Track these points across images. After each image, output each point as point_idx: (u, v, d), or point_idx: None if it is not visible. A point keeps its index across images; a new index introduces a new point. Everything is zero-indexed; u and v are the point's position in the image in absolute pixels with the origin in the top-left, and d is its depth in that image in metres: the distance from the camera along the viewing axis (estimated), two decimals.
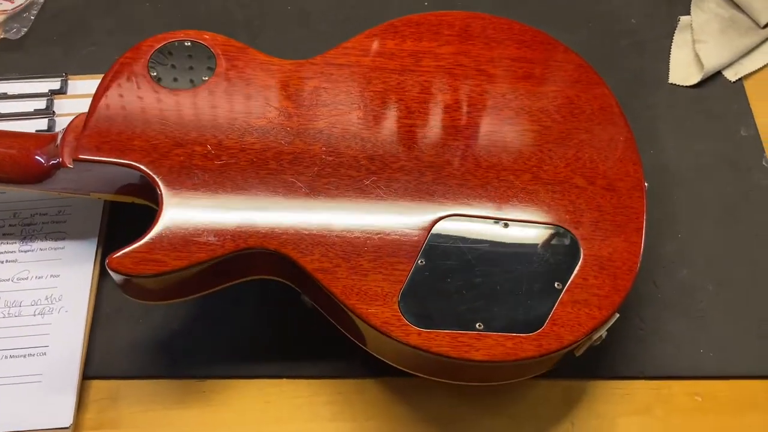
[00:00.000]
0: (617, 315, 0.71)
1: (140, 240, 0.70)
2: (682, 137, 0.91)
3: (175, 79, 0.81)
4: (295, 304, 0.77)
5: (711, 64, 0.96)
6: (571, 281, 0.71)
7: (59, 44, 1.03)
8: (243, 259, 0.70)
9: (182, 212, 0.70)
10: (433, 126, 0.78)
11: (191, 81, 0.81)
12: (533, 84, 0.84)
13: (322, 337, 0.77)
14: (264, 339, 0.78)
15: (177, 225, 0.70)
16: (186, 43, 0.84)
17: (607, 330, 0.72)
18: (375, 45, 0.85)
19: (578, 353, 0.73)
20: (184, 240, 0.68)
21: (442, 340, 0.66)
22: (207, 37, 0.84)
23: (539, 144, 0.80)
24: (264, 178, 0.75)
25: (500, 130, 0.80)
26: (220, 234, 0.69)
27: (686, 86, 0.96)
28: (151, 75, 0.81)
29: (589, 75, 0.85)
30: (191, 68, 0.82)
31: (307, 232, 0.69)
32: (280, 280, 0.75)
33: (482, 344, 0.66)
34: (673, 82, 0.97)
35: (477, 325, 0.67)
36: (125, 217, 0.85)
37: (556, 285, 0.71)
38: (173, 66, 0.82)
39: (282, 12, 1.07)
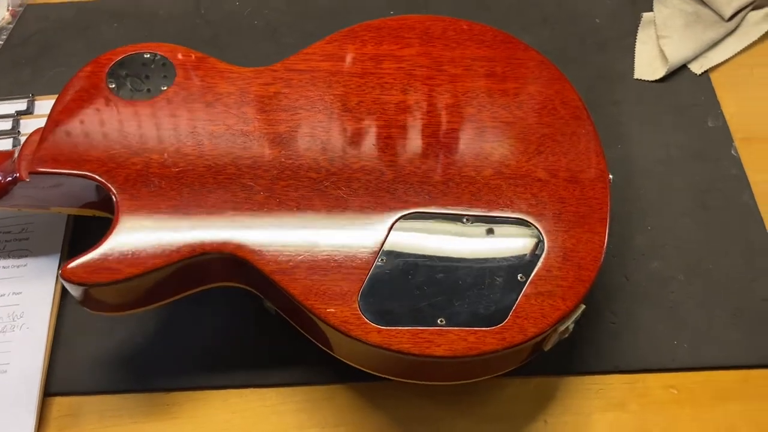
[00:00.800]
0: (583, 306, 0.70)
1: (94, 249, 0.69)
2: (649, 131, 0.90)
3: (134, 91, 0.81)
4: (258, 311, 0.76)
5: (675, 58, 0.96)
6: (535, 273, 0.70)
7: (28, 66, 1.03)
8: (201, 265, 0.70)
9: (137, 220, 0.70)
10: (393, 126, 0.78)
11: (149, 91, 0.81)
12: (495, 82, 0.84)
13: (288, 344, 0.76)
14: (229, 348, 0.76)
15: (132, 233, 0.69)
16: (145, 55, 0.84)
17: (574, 322, 0.70)
18: (335, 50, 0.85)
19: (547, 347, 0.72)
20: (138, 247, 0.67)
21: (402, 337, 0.64)
22: (166, 48, 0.84)
23: (501, 140, 0.79)
24: (222, 183, 0.74)
25: (462, 127, 0.80)
26: (176, 240, 0.68)
27: (652, 81, 0.96)
28: (109, 87, 0.81)
29: (550, 71, 0.85)
30: (149, 79, 0.82)
31: (264, 234, 0.68)
32: (241, 286, 0.74)
33: (444, 339, 0.65)
34: (639, 78, 0.97)
35: (439, 321, 0.65)
36: (89, 232, 0.84)
37: (519, 277, 0.70)
38: (132, 78, 0.82)
39: (249, 27, 1.07)
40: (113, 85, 0.81)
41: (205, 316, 0.79)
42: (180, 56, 0.84)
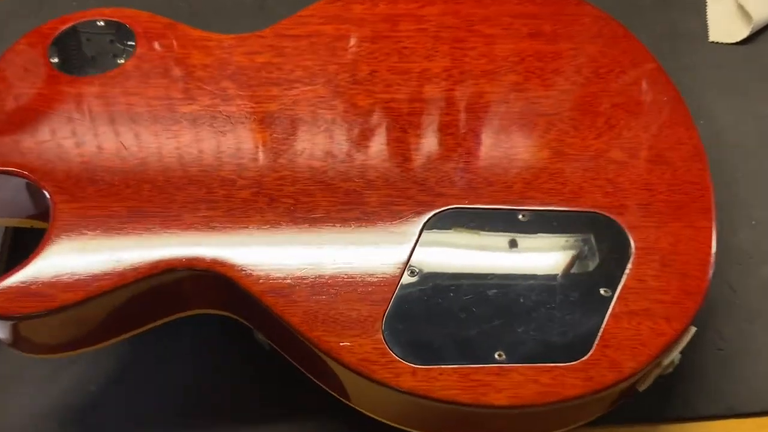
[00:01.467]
0: (694, 329, 0.51)
1: (18, 270, 0.51)
2: (736, 102, 0.74)
3: (83, 65, 0.64)
4: (247, 346, 0.60)
5: (761, 15, 0.78)
6: (623, 285, 0.52)
7: None
8: (169, 287, 0.56)
9: (79, 228, 0.52)
10: (417, 99, 0.60)
11: (103, 66, 0.63)
12: (543, 42, 0.66)
13: (287, 391, 0.61)
14: (208, 397, 0.62)
15: (71, 246, 0.52)
16: (98, 23, 0.66)
17: (681, 352, 0.51)
18: (339, 11, 0.68)
19: (642, 387, 0.53)
20: (79, 265, 0.49)
21: (447, 380, 0.47)
22: (124, 14, 0.67)
23: (558, 112, 0.61)
24: (194, 178, 0.57)
25: (506, 99, 0.62)
26: (132, 254, 0.53)
27: (732, 43, 0.78)
28: (51, 62, 0.63)
29: (612, 28, 0.67)
30: (103, 51, 0.65)
31: (251, 243, 0.53)
32: (225, 314, 0.56)
33: (506, 382, 0.47)
34: (715, 40, 0.79)
35: (497, 355, 0.47)
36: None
37: (602, 292, 0.51)
38: (80, 50, 0.65)
39: (234, 2, 0.89)
40: (56, 59, 0.64)
41: (178, 355, 0.63)
42: (143, 23, 0.67)
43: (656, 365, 0.50)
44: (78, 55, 0.65)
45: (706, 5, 0.83)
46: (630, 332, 0.50)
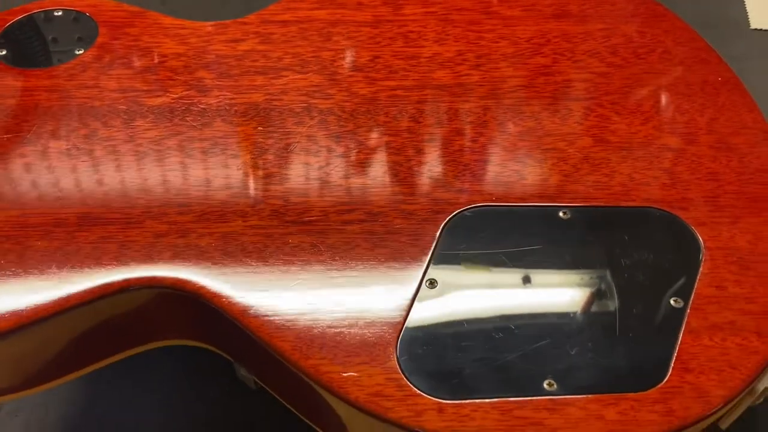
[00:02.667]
0: None
1: None
2: None
3: (35, 57, 0.54)
4: (229, 384, 0.50)
5: None
6: (697, 293, 0.41)
7: None
8: (127, 309, 0.42)
9: (16, 239, 0.41)
10: (428, 86, 0.50)
11: (58, 58, 0.54)
12: (571, 23, 0.57)
13: None
14: None
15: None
16: (55, 13, 0.57)
17: None
18: None
19: (725, 425, 0.42)
20: (13, 282, 0.38)
21: (484, 419, 0.35)
22: (85, 3, 0.58)
23: (595, 97, 0.52)
24: (162, 175, 0.46)
25: (533, 83, 0.53)
26: (81, 269, 0.39)
27: None
28: None
29: (649, 6, 0.59)
30: (59, 42, 0.55)
31: (227, 251, 0.42)
32: (201, 345, 0.44)
33: (562, 419, 0.36)
34: (758, 27, 0.70)
35: (545, 385, 0.36)
36: None
37: (673, 302, 0.41)
38: (33, 42, 0.55)
39: None
40: (4, 52, 0.54)
41: (147, 392, 0.52)
42: (106, 12, 0.58)
43: (749, 393, 0.39)
44: (30, 47, 0.56)
45: None
46: (714, 351, 0.39)
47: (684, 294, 0.41)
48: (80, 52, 0.55)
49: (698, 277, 0.42)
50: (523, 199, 0.46)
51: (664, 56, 0.55)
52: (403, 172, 0.48)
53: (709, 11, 0.74)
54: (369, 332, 0.39)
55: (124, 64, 0.54)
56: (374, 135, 0.50)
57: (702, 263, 0.43)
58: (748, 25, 0.72)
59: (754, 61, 0.69)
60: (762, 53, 0.70)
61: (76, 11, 0.59)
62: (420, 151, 0.49)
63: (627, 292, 0.41)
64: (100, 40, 0.56)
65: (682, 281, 0.42)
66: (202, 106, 0.52)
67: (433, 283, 0.42)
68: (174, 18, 0.59)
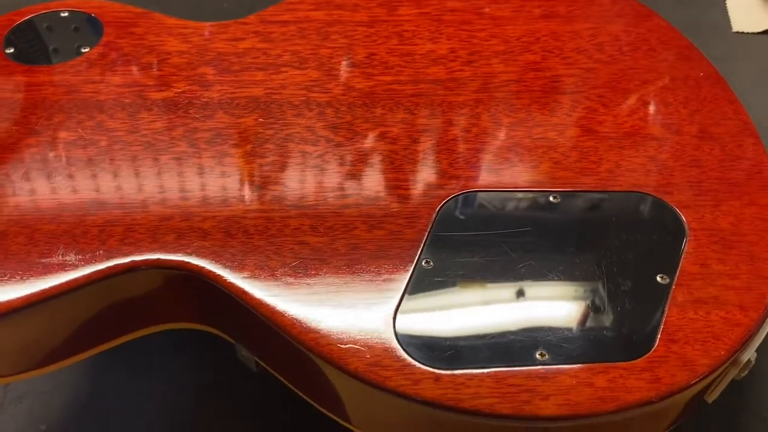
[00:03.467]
0: None
1: None
2: None
3: (41, 55, 0.56)
4: (231, 366, 0.51)
5: None
6: (682, 270, 0.43)
7: None
8: (131, 288, 0.43)
9: (20, 214, 0.43)
10: (423, 80, 0.52)
11: (64, 55, 0.56)
12: (559, 23, 0.60)
13: (277, 414, 0.52)
14: (187, 425, 0.51)
15: (8, 235, 0.42)
16: (62, 14, 0.59)
17: (756, 350, 0.42)
18: None
19: (711, 398, 0.43)
20: (20, 261, 0.41)
21: (479, 387, 0.37)
22: (91, 5, 0.60)
23: (583, 90, 0.53)
24: (167, 165, 0.48)
25: (523, 78, 0.55)
26: (86, 246, 0.42)
27: (758, 32, 0.72)
28: (6, 53, 0.55)
29: (633, 7, 0.61)
30: (66, 41, 0.57)
31: (230, 233, 0.44)
32: (199, 327, 0.45)
33: (553, 386, 0.38)
34: (740, 30, 0.73)
35: (537, 355, 0.38)
36: None
37: (659, 279, 0.43)
38: (39, 41, 0.57)
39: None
40: (11, 50, 0.56)
41: (146, 380, 0.54)
42: (111, 13, 0.60)
43: (732, 363, 0.41)
44: (36, 46, 0.57)
45: None
46: (699, 323, 0.40)
47: (669, 271, 0.43)
48: (86, 50, 0.57)
49: (683, 256, 0.44)
50: (515, 185, 0.48)
51: (648, 53, 0.57)
52: (399, 160, 0.49)
53: (691, 15, 0.76)
54: (368, 306, 0.41)
55: (129, 60, 0.56)
56: (371, 126, 0.51)
57: (686, 243, 0.45)
58: (730, 28, 0.75)
59: (736, 63, 0.72)
60: (743, 55, 0.72)
61: (83, 12, 0.61)
62: (415, 141, 0.51)
63: (615, 270, 0.43)
64: (105, 38, 0.58)
65: (667, 260, 0.44)
66: (204, 100, 0.53)
67: (428, 262, 0.43)
68: (177, 18, 0.61)
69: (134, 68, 0.56)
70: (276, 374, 0.46)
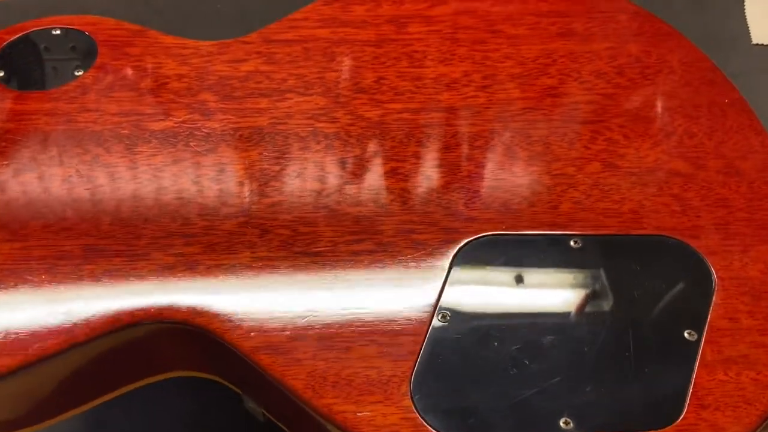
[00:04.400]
0: None
1: None
2: None
3: (34, 79, 0.53)
4: (237, 417, 0.50)
5: None
6: (710, 325, 0.41)
7: None
8: (133, 344, 0.39)
9: (19, 273, 0.40)
10: (434, 109, 0.50)
11: (57, 79, 0.53)
12: (577, 42, 0.57)
13: None
14: None
15: (7, 296, 0.40)
16: (54, 32, 0.56)
17: None
18: (337, 12, 0.58)
19: None
20: (18, 319, 0.37)
21: None
22: (84, 22, 0.57)
23: (603, 119, 0.51)
24: (166, 207, 0.45)
25: (539, 105, 0.52)
26: (87, 304, 0.38)
27: None
28: None
29: (654, 24, 0.58)
30: (59, 63, 0.54)
31: (238, 286, 0.43)
32: (208, 377, 0.43)
33: None
34: (759, 42, 0.70)
35: (562, 423, 0.36)
36: None
37: (686, 335, 0.40)
38: (32, 62, 0.54)
39: (211, 12, 0.80)
40: (1, 74, 0.53)
41: (151, 428, 0.51)
42: (106, 31, 0.56)
43: (764, 428, 0.39)
44: (29, 68, 0.54)
45: (744, 5, 0.74)
46: (730, 386, 0.39)
47: (697, 326, 0.41)
48: (80, 73, 0.54)
49: (711, 309, 0.42)
50: (533, 227, 0.46)
51: (670, 77, 0.55)
52: (411, 200, 0.47)
53: (710, 27, 0.73)
54: (382, 369, 0.39)
55: (126, 85, 0.53)
56: (382, 161, 0.49)
57: (714, 294, 0.43)
58: (750, 40, 0.72)
59: (756, 76, 0.69)
60: (763, 68, 0.70)
61: (75, 30, 0.58)
62: (428, 178, 0.48)
63: (641, 325, 0.41)
64: (99, 60, 0.55)
65: (695, 313, 0.42)
66: (206, 131, 0.51)
67: (445, 317, 0.41)
68: (175, 37, 0.58)
69: (131, 94, 0.53)
70: (284, 428, 0.44)
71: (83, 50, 0.56)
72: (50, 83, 0.53)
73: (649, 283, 0.43)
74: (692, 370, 0.39)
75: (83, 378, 0.43)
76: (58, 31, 0.57)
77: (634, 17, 0.59)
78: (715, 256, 0.44)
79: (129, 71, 0.54)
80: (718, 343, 0.40)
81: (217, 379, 0.46)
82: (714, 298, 0.42)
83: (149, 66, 0.55)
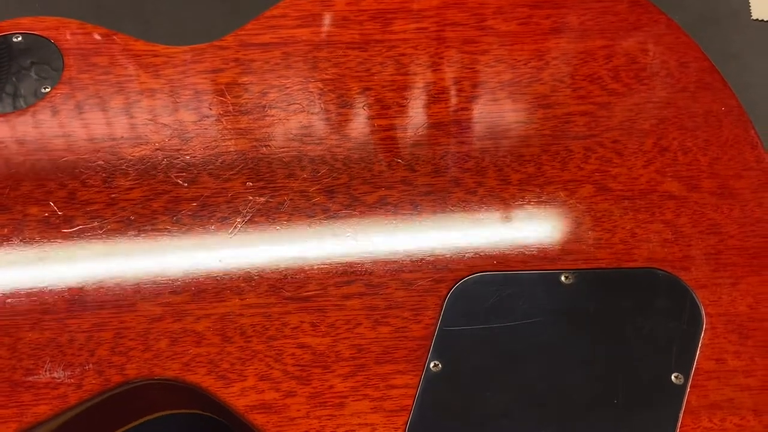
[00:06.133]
0: None
1: None
2: None
3: None
4: None
5: None
6: (697, 368, 0.41)
7: None
8: (125, 396, 0.40)
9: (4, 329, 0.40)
10: (423, 125, 0.48)
11: (22, 99, 0.50)
12: (570, 40, 0.54)
13: None
14: None
15: None
16: (14, 39, 0.52)
17: None
18: (315, 7, 0.55)
19: None
20: (8, 382, 0.37)
21: None
22: (46, 25, 0.53)
23: (596, 133, 0.50)
24: (151, 248, 0.44)
25: (531, 118, 0.50)
26: (74, 362, 0.38)
27: None
28: None
29: (652, 16, 0.55)
30: (23, 77, 0.51)
31: (226, 336, 0.42)
32: (201, 413, 0.44)
33: None
34: (760, 18, 0.67)
35: None
36: None
37: (674, 378, 0.41)
38: None
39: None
40: None
41: None
42: (71, 36, 0.53)
43: None
44: None
45: None
46: None
47: (684, 369, 0.42)
48: (47, 89, 0.51)
49: (698, 349, 0.42)
50: (525, 263, 0.45)
51: (667, 80, 0.53)
52: (399, 234, 0.46)
53: (710, 1, 0.70)
54: (376, 425, 0.40)
55: (96, 104, 0.50)
56: (369, 188, 0.47)
57: (703, 333, 0.43)
58: (749, 15, 0.69)
59: (755, 53, 0.67)
60: (763, 45, 0.67)
61: (39, 36, 0.54)
62: (417, 207, 0.47)
63: (630, 369, 0.41)
64: (66, 72, 0.52)
65: (683, 354, 0.42)
66: (186, 158, 0.48)
67: (437, 365, 0.41)
68: (145, 42, 0.54)
69: (102, 115, 0.50)
70: None
71: (48, 61, 0.52)
72: (16, 104, 0.50)
73: (639, 321, 0.43)
74: (677, 418, 0.40)
75: (74, 428, 0.43)
76: (19, 38, 0.53)
77: (632, 8, 0.56)
78: (705, 289, 0.44)
79: (98, 86, 0.51)
80: (704, 387, 0.41)
81: (212, 415, 0.46)
82: (702, 338, 0.43)
83: (119, 80, 0.51)
